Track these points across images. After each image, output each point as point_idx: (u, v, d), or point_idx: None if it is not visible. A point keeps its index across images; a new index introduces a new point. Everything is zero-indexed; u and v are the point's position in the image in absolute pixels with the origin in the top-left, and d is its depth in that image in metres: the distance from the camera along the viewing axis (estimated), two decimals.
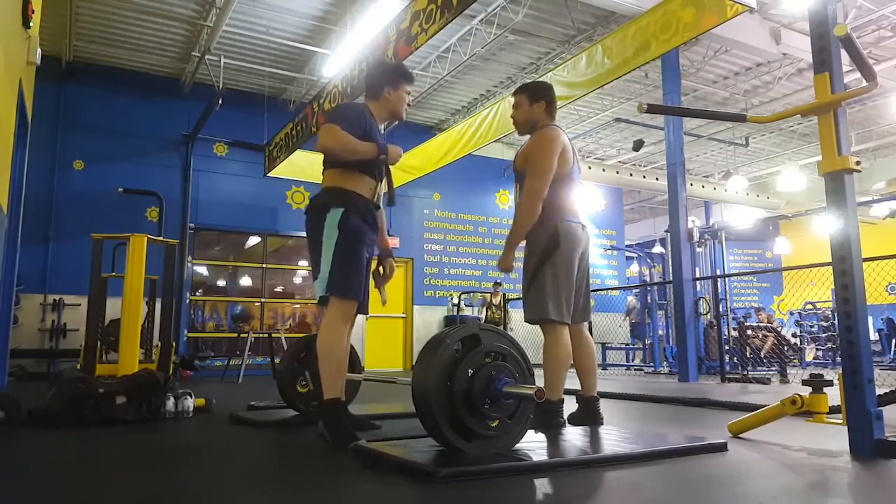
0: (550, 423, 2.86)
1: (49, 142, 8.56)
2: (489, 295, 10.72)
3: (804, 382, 2.67)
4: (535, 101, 3.18)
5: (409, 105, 3.05)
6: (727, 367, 7.22)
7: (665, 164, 8.01)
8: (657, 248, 13.92)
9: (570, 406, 3.07)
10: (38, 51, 5.15)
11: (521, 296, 3.10)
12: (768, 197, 14.40)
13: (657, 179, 12.71)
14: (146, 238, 4.81)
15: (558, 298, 2.94)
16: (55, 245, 8.52)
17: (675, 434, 3.00)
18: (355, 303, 2.71)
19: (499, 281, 10.83)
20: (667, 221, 8.53)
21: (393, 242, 2.97)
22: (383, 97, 2.92)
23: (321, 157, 2.81)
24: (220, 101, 8.13)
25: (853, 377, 2.31)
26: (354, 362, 3.42)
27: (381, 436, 2.74)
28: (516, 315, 9.93)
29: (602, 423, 3.08)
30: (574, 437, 2.69)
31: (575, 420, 3.10)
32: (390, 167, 2.88)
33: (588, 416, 3.10)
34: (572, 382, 3.13)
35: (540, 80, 3.45)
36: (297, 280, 11.64)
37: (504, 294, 10.46)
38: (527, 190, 2.98)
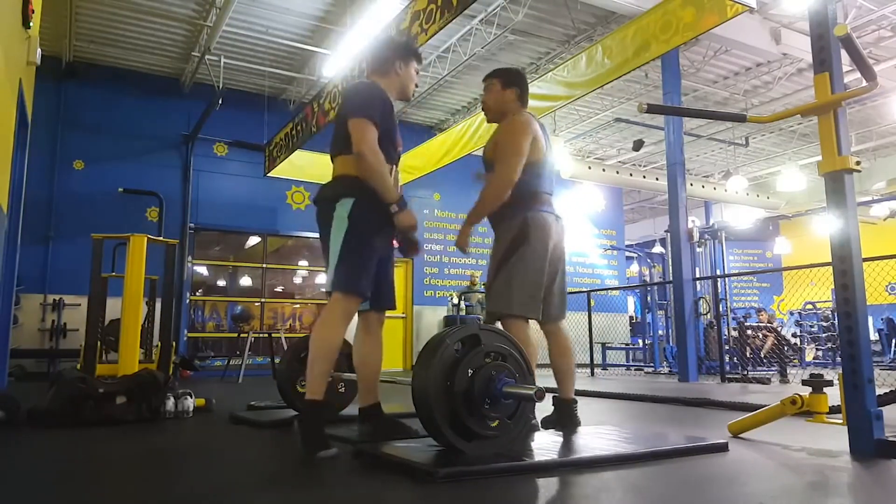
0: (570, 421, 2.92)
1: (49, 142, 8.56)
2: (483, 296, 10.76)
3: (804, 382, 2.67)
4: (508, 86, 3.03)
5: (416, 86, 2.86)
6: (727, 367, 7.22)
7: (665, 164, 8.01)
8: (657, 248, 13.93)
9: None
10: (38, 51, 5.14)
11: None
12: (768, 197, 14.39)
13: (657, 179, 12.70)
14: (146, 238, 4.81)
15: (524, 293, 2.79)
16: (55, 245, 8.52)
17: (676, 434, 3.00)
18: (359, 300, 2.53)
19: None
20: (667, 221, 8.53)
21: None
22: (394, 72, 2.73)
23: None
24: (220, 101, 8.13)
25: (853, 377, 2.31)
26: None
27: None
28: None
29: (579, 426, 2.96)
30: (574, 437, 2.69)
31: (549, 423, 2.99)
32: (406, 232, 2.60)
33: (564, 419, 2.98)
34: (551, 381, 3.06)
35: (520, 70, 3.25)
36: (297, 280, 11.64)
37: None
38: (497, 173, 2.84)
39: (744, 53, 8.89)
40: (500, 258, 2.85)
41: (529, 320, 2.84)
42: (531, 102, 7.13)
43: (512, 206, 2.87)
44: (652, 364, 10.34)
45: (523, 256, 2.81)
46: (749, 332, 8.49)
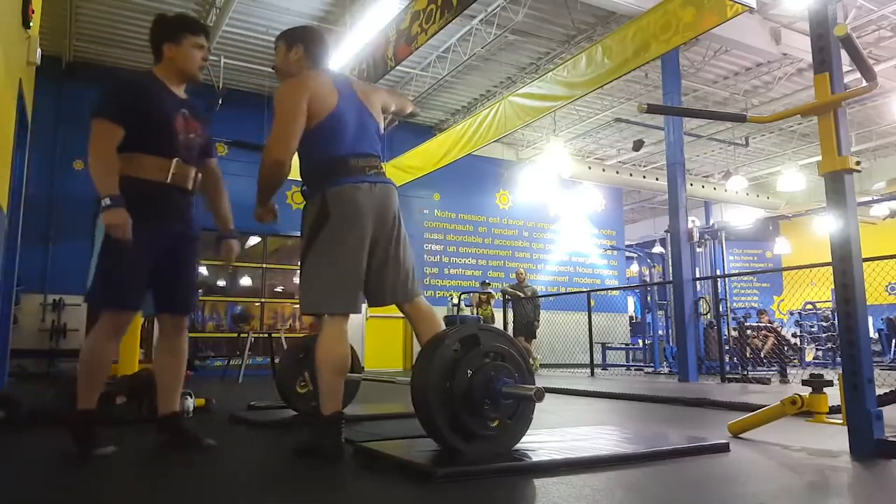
0: (325, 445, 2.26)
1: (49, 142, 8.55)
2: (477, 295, 10.74)
3: (804, 382, 2.67)
4: (292, 46, 2.62)
5: (205, 59, 2.75)
6: (727, 367, 7.22)
7: (665, 164, 8.01)
8: (657, 248, 13.92)
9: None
10: (38, 51, 5.14)
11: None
12: (768, 197, 14.40)
13: (657, 179, 12.71)
14: None
15: (334, 285, 2.35)
16: (55, 245, 8.52)
17: (676, 434, 3.00)
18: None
19: (486, 281, 10.84)
20: (667, 221, 8.53)
21: None
22: (165, 56, 2.66)
23: None
24: (220, 101, 8.14)
25: (853, 377, 2.31)
26: (354, 362, 3.41)
27: (381, 436, 2.74)
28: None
29: None
30: (574, 437, 2.69)
31: None
32: None
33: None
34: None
35: (307, 25, 2.90)
36: (297, 280, 11.64)
37: (493, 294, 10.47)
38: (264, 149, 2.46)
39: (744, 53, 8.89)
40: (302, 249, 2.45)
41: (347, 315, 2.43)
42: (531, 102, 7.17)
43: (311, 183, 2.50)
44: (652, 364, 10.34)
45: (323, 242, 2.37)
46: (749, 332, 8.50)
